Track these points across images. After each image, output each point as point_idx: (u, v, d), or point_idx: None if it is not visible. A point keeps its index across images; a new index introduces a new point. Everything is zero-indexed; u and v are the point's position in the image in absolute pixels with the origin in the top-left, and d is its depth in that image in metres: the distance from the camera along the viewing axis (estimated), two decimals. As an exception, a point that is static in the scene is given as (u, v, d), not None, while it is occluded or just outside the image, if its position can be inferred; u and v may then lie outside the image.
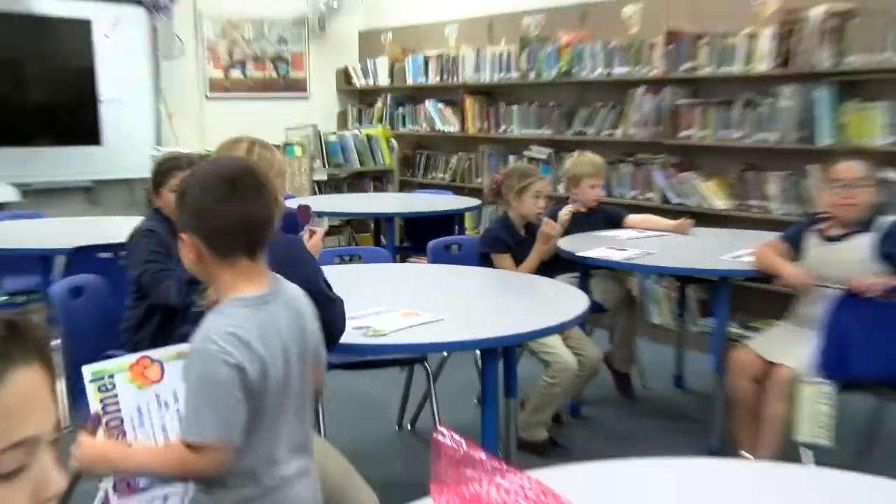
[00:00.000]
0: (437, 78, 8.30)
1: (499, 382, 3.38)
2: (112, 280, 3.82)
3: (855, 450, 4.07)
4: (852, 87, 5.34)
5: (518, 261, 4.31)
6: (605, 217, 5.01)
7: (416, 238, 6.68)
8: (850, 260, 3.79)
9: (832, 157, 4.05)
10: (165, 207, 3.72)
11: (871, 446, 4.12)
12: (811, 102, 5.42)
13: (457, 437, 1.83)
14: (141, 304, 3.58)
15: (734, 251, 4.29)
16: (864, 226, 3.84)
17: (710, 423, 4.28)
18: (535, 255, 4.33)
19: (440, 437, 1.80)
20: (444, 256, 4.69)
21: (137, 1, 7.91)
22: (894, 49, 5.02)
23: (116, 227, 4.27)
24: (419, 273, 4.34)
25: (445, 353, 4.45)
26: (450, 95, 8.25)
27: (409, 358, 4.15)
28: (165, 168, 3.79)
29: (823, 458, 3.44)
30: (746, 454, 3.80)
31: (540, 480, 1.74)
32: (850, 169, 3.85)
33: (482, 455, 1.80)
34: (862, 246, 3.81)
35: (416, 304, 3.23)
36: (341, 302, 2.79)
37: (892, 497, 1.87)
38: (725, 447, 4.04)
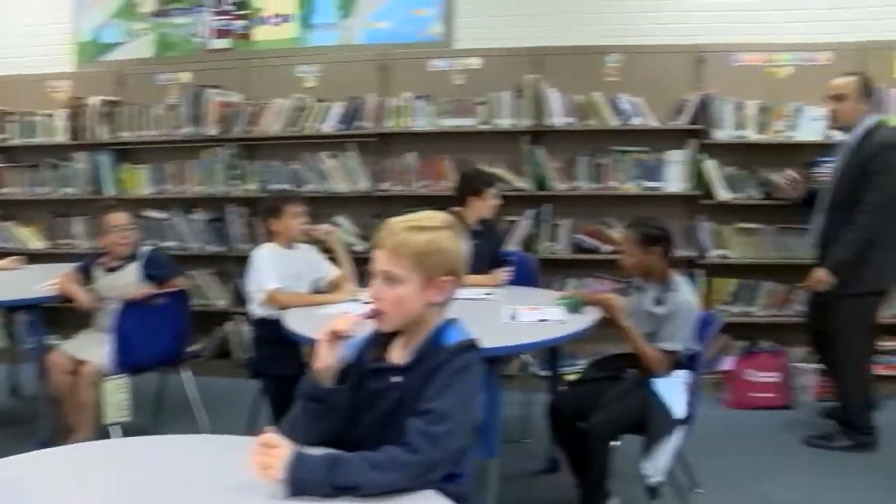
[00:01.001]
0: None
1: None
2: None
3: (151, 414, 4.13)
4: (125, 153, 5.37)
5: None
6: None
7: None
8: (126, 283, 3.77)
9: (108, 208, 3.94)
10: None
11: (161, 408, 4.21)
12: (98, 165, 5.31)
13: None
14: None
15: (46, 282, 3.90)
16: (131, 258, 3.87)
17: (42, 420, 3.83)
18: None
19: None
20: None
21: None
22: (148, 128, 5.19)
23: None
24: None
25: None
26: None
27: None
28: None
29: (130, 427, 3.37)
30: (74, 439, 3.42)
31: None
32: (121, 217, 3.86)
33: None
34: (132, 272, 3.84)
35: None
36: None
37: (178, 446, 1.84)
38: (59, 436, 3.56)
